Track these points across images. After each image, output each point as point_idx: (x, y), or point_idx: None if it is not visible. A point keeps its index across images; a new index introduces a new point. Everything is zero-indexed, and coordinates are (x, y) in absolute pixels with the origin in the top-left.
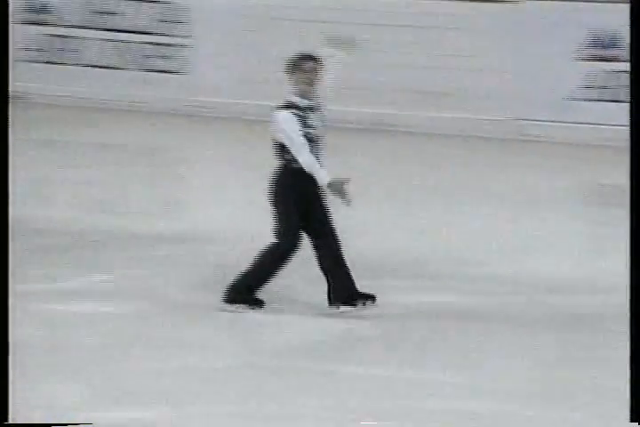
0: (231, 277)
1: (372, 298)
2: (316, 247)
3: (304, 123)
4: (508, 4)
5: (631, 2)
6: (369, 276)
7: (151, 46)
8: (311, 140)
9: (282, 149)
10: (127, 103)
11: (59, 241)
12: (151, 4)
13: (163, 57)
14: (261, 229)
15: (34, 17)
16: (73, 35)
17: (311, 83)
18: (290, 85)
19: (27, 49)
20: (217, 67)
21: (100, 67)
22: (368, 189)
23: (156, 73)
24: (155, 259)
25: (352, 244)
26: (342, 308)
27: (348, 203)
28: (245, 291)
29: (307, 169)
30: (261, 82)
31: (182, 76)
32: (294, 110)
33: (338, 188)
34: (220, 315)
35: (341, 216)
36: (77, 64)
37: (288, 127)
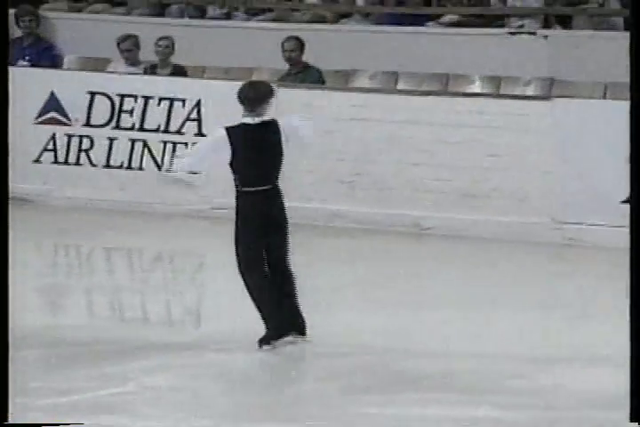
0: (254, 389)
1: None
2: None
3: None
4: (548, 102)
5: (631, 2)
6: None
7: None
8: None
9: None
10: (149, 205)
11: (71, 351)
12: (162, 101)
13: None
14: None
15: (48, 116)
16: (86, 133)
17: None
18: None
19: (46, 149)
20: None
21: (111, 167)
22: (409, 294)
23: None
24: (175, 369)
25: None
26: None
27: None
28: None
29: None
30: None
31: (200, 176)
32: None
33: None
34: None
35: (382, 319)
36: (87, 164)
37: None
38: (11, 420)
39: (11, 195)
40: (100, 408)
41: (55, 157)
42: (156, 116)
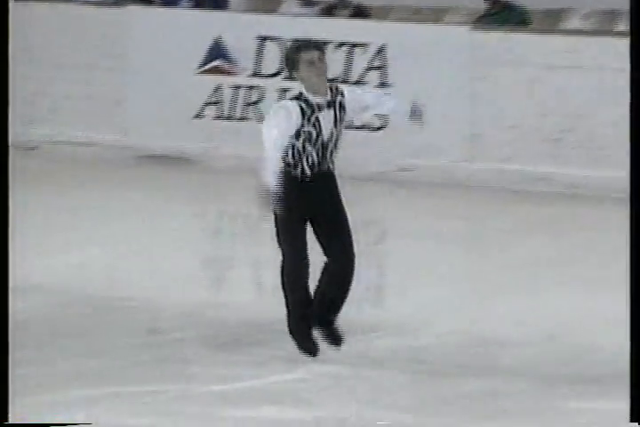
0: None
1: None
2: (323, 268)
3: (313, 121)
4: None
5: (631, 2)
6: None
7: None
8: (317, 142)
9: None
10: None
11: (235, 333)
12: (341, 47)
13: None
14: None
15: (212, 65)
16: (255, 84)
17: (321, 74)
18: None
19: (209, 103)
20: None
21: None
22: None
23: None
24: (352, 354)
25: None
26: None
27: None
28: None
29: (265, 160)
30: (492, 142)
31: (381, 135)
32: (302, 103)
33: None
34: None
35: (590, 302)
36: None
37: (271, 122)
38: (11, 420)
39: (168, 153)
40: (264, 397)
41: (220, 111)
42: (334, 63)
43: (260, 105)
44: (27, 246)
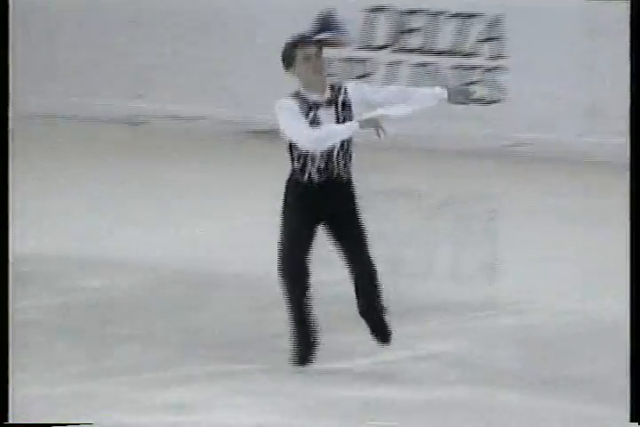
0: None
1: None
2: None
3: (311, 118)
4: None
5: (631, 2)
6: None
7: (457, 70)
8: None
9: (290, 152)
10: (426, 141)
11: (343, 311)
12: (454, 18)
13: (471, 83)
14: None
15: (320, 37)
16: (364, 57)
17: (318, 71)
18: (297, 81)
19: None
20: (539, 94)
21: None
22: None
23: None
24: (465, 333)
25: None
26: None
27: (384, 133)
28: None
29: (319, 144)
30: (607, 115)
31: (495, 108)
32: (299, 101)
33: (372, 119)
34: None
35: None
36: None
37: (286, 114)
38: (11, 420)
39: (277, 128)
40: (374, 377)
41: None
42: (446, 35)
43: (371, 78)
44: (143, 220)
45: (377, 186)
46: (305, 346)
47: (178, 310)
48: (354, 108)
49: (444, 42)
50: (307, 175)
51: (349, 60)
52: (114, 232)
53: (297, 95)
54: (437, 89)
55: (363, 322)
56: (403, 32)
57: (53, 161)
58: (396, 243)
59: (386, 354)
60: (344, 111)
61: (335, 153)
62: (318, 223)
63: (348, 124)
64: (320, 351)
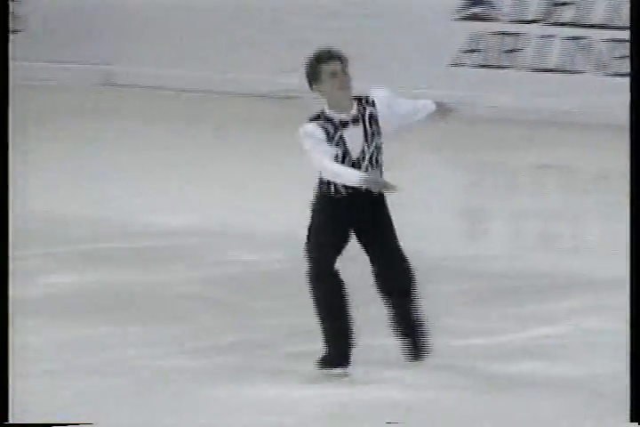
0: None
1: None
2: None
3: (336, 140)
4: None
5: (631, 2)
6: None
7: (610, 43)
8: (344, 161)
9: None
10: (582, 115)
11: (489, 286)
12: None
13: (625, 57)
14: None
15: (471, 11)
16: (512, 31)
17: (344, 86)
18: (321, 97)
19: (466, 51)
20: None
21: (544, 70)
22: None
23: (619, 78)
24: (611, 310)
25: None
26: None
27: (393, 189)
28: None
29: (331, 178)
30: None
31: None
32: (323, 123)
33: (374, 180)
34: None
35: None
36: (514, 67)
37: (309, 142)
38: (11, 420)
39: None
40: (518, 352)
41: (479, 59)
42: (599, 10)
43: (520, 53)
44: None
45: (529, 161)
46: (335, 350)
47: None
48: (380, 122)
49: (597, 15)
50: (333, 188)
51: (500, 33)
52: (259, 208)
53: (321, 116)
54: (425, 101)
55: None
56: (556, 5)
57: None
58: (546, 218)
59: (526, 330)
60: (371, 127)
61: (363, 169)
62: (349, 236)
63: (360, 175)
64: (463, 328)
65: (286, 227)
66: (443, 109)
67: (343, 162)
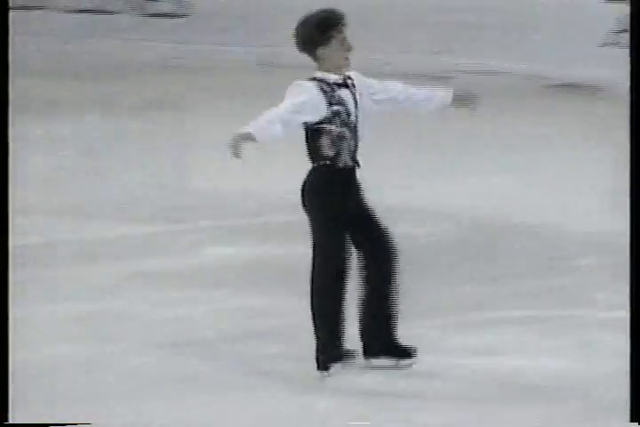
0: None
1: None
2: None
3: (337, 99)
4: None
5: (631, 1)
6: None
7: None
8: (349, 122)
9: (318, 140)
10: None
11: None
12: None
13: None
14: None
15: None
16: None
17: (350, 49)
18: (314, 61)
19: (624, 30)
20: None
21: None
22: None
23: None
24: None
25: None
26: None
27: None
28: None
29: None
30: None
31: None
32: (319, 83)
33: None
34: None
35: None
36: None
37: (294, 91)
38: (11, 420)
39: (576, 82)
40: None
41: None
42: None
43: None
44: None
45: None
46: (333, 345)
47: (478, 257)
48: (363, 93)
49: None
50: (342, 161)
51: None
52: (417, 183)
53: (315, 78)
54: (441, 92)
55: None
56: None
57: None
58: None
59: None
60: (356, 94)
61: (351, 140)
62: (351, 217)
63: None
64: (605, 301)
65: (440, 202)
66: (462, 98)
67: (349, 121)
